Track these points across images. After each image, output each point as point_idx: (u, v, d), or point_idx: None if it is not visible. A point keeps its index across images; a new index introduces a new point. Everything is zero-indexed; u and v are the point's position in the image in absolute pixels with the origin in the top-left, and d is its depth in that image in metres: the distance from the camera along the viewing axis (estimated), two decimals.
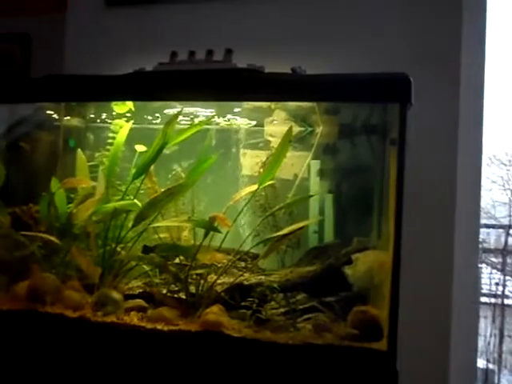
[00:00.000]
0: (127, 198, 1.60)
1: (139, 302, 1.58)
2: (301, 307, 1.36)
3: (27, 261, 1.74)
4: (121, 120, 1.83)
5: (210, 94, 1.47)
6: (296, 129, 2.00)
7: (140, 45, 2.27)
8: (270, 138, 2.06)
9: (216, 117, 1.92)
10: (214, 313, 1.39)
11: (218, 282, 1.48)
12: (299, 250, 1.81)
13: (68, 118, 2.00)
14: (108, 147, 1.85)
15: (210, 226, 1.37)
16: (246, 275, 1.50)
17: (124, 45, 2.29)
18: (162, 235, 1.73)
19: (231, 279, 1.49)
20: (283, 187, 1.83)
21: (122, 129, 1.74)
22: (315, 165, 1.94)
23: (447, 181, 1.90)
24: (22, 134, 1.93)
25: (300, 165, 1.95)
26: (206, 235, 1.39)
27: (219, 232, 1.42)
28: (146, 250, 1.71)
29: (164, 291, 1.55)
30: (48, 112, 2.01)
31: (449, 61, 1.91)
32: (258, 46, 2.07)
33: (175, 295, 1.51)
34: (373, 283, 1.31)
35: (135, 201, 1.52)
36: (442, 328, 1.83)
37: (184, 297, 1.48)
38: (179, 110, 1.51)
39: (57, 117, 2.01)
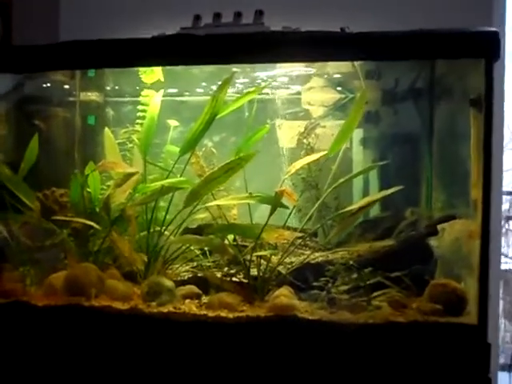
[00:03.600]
0: (171, 176, 1.45)
1: (191, 288, 1.45)
2: (376, 284, 1.27)
3: (58, 250, 1.59)
4: (150, 91, 1.67)
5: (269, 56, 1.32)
6: (335, 96, 1.89)
7: (154, 7, 2.09)
8: (308, 107, 1.94)
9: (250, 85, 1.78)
10: (285, 295, 1.28)
11: (278, 262, 1.37)
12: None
13: (85, 92, 1.82)
14: (138, 121, 1.69)
15: (277, 202, 1.24)
16: (308, 253, 1.40)
17: (134, 8, 2.10)
18: (203, 215, 1.60)
19: (293, 259, 1.38)
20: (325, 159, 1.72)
21: (153, 100, 1.58)
22: (359, 134, 1.84)
23: None
24: (35, 110, 1.74)
25: None
26: (272, 212, 1.26)
27: (287, 208, 1.30)
28: (189, 232, 1.58)
29: (218, 275, 1.43)
30: (63, 86, 1.82)
31: None
32: (291, 7, 1.94)
33: (233, 279, 1.39)
34: (460, 254, 1.22)
35: (182, 178, 1.37)
36: None
37: (244, 280, 1.36)
38: (229, 76, 1.35)
39: (73, 91, 1.82)
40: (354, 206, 1.29)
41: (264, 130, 1.44)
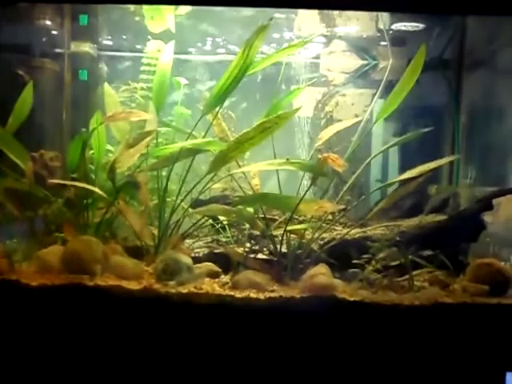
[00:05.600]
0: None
1: (209, 265, 1.28)
2: (418, 262, 1.17)
3: (47, 220, 1.36)
4: (157, 41, 1.46)
5: None
6: (357, 62, 1.76)
7: None
8: (327, 73, 1.79)
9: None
10: (323, 274, 1.15)
11: (309, 238, 1.23)
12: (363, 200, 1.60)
13: (76, 42, 1.57)
14: (143, 77, 1.48)
15: (320, 169, 1.09)
16: (339, 229, 1.27)
17: None
18: (217, 185, 1.43)
19: (324, 235, 1.25)
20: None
21: (164, 52, 1.37)
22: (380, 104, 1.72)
23: None
24: (20, 59, 1.49)
25: (362, 104, 1.72)
26: (312, 181, 1.11)
27: (325, 176, 1.16)
28: (202, 204, 1.40)
29: (239, 251, 1.27)
30: (50, 33, 1.57)
31: None
32: None
33: (257, 256, 1.24)
34: None
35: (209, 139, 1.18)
36: None
37: (272, 257, 1.22)
38: (266, 23, 1.16)
39: (61, 41, 1.58)
40: (400, 177, 1.17)
41: (295, 92, 1.29)
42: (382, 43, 1.64)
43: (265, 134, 1.11)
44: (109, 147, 1.47)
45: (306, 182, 1.54)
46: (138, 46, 1.58)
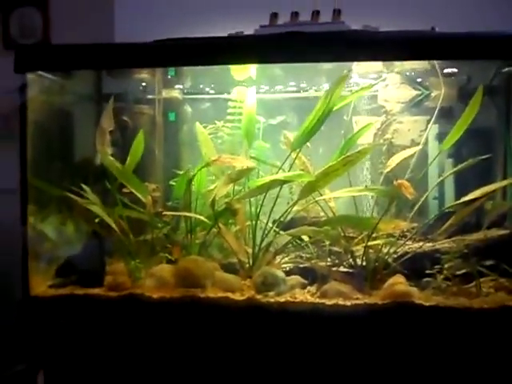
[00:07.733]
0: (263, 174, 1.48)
1: (297, 278, 1.49)
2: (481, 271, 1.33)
3: (156, 243, 1.60)
4: (241, 87, 1.69)
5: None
6: (412, 93, 1.95)
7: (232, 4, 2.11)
8: (385, 103, 1.99)
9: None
10: (401, 283, 1.33)
11: (385, 251, 1.42)
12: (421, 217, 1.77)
13: (166, 90, 1.83)
14: (229, 118, 1.72)
15: (395, 194, 1.29)
16: (410, 243, 1.45)
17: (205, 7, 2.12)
18: (295, 208, 1.64)
19: (397, 249, 1.44)
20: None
21: (249, 96, 1.61)
22: (434, 129, 1.90)
23: None
24: (123, 108, 1.75)
25: (417, 130, 1.91)
26: (390, 204, 1.31)
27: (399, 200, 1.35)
28: (284, 225, 1.61)
29: (322, 265, 1.47)
30: (145, 83, 1.83)
31: None
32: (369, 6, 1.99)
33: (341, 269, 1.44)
34: None
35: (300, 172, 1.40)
36: None
37: (352, 270, 1.41)
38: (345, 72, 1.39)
39: (154, 89, 1.84)
40: (470, 197, 1.35)
41: (367, 126, 1.49)
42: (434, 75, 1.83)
43: (347, 167, 1.31)
44: None
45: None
46: (214, 89, 1.82)
